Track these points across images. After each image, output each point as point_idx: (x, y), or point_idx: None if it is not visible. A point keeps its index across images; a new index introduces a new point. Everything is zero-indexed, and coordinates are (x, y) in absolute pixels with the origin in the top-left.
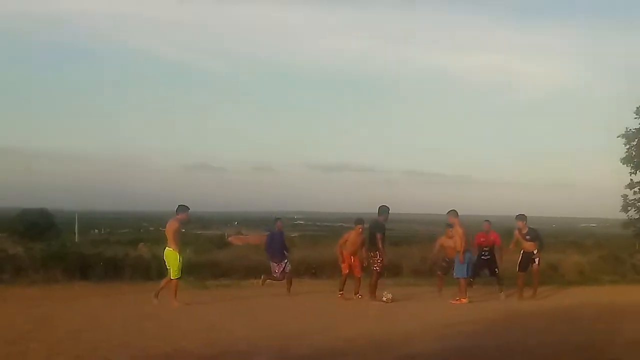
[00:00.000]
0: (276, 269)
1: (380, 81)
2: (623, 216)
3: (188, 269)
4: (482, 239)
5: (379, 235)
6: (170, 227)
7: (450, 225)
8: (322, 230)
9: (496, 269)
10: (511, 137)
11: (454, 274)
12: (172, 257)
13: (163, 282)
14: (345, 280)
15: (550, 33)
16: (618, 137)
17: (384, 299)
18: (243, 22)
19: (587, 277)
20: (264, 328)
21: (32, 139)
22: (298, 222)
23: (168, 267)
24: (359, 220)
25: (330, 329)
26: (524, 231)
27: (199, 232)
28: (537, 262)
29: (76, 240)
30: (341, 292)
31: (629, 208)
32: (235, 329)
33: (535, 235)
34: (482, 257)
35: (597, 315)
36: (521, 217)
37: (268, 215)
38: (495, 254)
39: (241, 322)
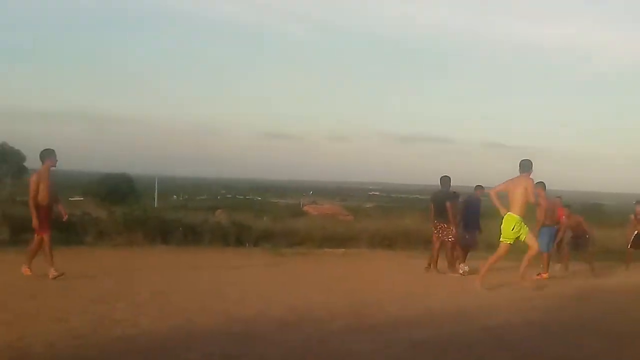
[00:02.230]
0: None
1: (456, 50)
2: None
3: (265, 237)
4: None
5: (448, 204)
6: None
7: None
8: (397, 201)
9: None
10: (591, 110)
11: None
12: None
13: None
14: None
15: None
16: None
17: (461, 271)
18: None
19: None
20: (342, 295)
21: (114, 105)
22: (373, 193)
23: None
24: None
25: (408, 298)
26: None
27: (275, 200)
28: None
29: (155, 205)
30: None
31: None
32: (313, 296)
33: None
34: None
35: None
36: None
37: (343, 185)
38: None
39: (319, 289)
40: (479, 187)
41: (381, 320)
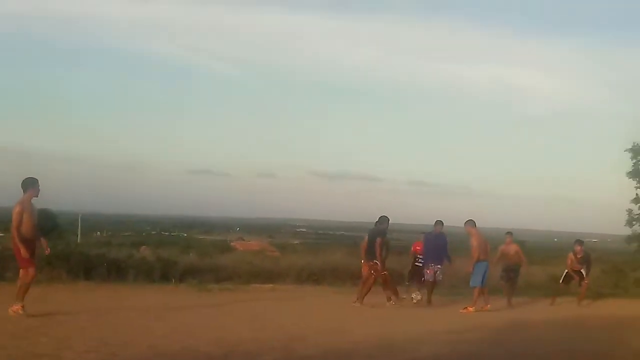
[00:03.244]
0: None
1: (384, 91)
2: (626, 231)
3: (191, 272)
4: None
5: (378, 240)
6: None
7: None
8: (324, 238)
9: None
10: (515, 152)
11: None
12: None
13: None
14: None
15: (558, 48)
16: (625, 151)
17: (414, 300)
18: (248, 26)
19: (590, 291)
20: (270, 329)
21: (35, 140)
22: (300, 229)
23: None
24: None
25: (337, 331)
26: (579, 255)
27: (201, 236)
28: (585, 280)
29: (78, 241)
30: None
31: (634, 223)
32: (241, 330)
33: (587, 259)
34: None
35: (603, 327)
36: (580, 242)
37: (270, 222)
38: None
39: (247, 324)
40: (438, 222)
41: (310, 354)
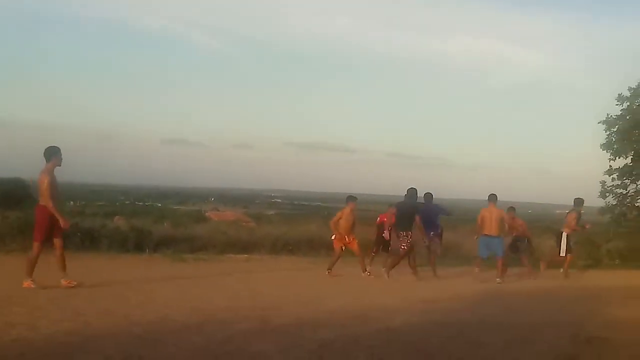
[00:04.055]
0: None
1: (360, 62)
2: (600, 203)
3: (166, 242)
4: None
5: (418, 217)
6: None
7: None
8: (299, 208)
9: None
10: (490, 123)
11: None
12: None
13: None
14: (337, 260)
15: (537, 20)
16: (599, 123)
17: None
18: None
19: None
20: (245, 299)
21: (7, 108)
22: (275, 200)
23: None
24: (352, 198)
25: (311, 301)
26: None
27: (176, 207)
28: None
29: None
30: (329, 270)
31: (607, 194)
32: (216, 300)
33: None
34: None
35: (575, 297)
36: (581, 201)
37: (245, 193)
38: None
39: (222, 294)
40: (427, 194)
41: (285, 322)
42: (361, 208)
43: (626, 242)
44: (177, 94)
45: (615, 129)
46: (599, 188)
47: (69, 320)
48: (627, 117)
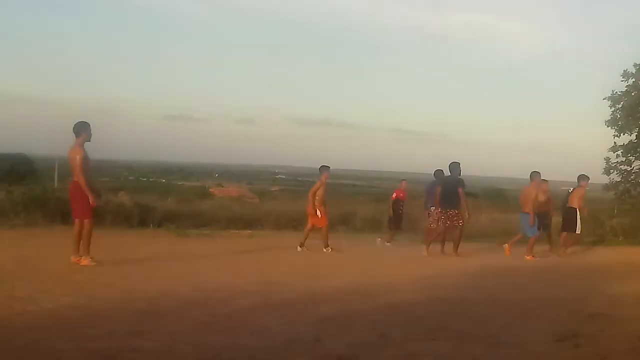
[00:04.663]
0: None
1: (362, 37)
2: (604, 180)
3: (170, 218)
4: None
5: (461, 190)
6: None
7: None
8: (303, 184)
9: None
10: (492, 99)
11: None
12: None
13: None
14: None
15: None
16: (604, 99)
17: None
18: None
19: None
20: (249, 275)
21: (12, 84)
22: (279, 176)
23: None
24: (326, 168)
25: (314, 277)
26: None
27: (180, 182)
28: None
29: (55, 186)
30: (302, 245)
31: (612, 171)
32: (219, 275)
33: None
34: None
35: (579, 273)
36: (585, 177)
37: (249, 168)
38: None
39: (225, 269)
40: (438, 171)
41: (289, 298)
42: (367, 184)
43: (630, 218)
44: (179, 69)
45: (620, 106)
46: (603, 164)
47: (71, 294)
48: (632, 94)
